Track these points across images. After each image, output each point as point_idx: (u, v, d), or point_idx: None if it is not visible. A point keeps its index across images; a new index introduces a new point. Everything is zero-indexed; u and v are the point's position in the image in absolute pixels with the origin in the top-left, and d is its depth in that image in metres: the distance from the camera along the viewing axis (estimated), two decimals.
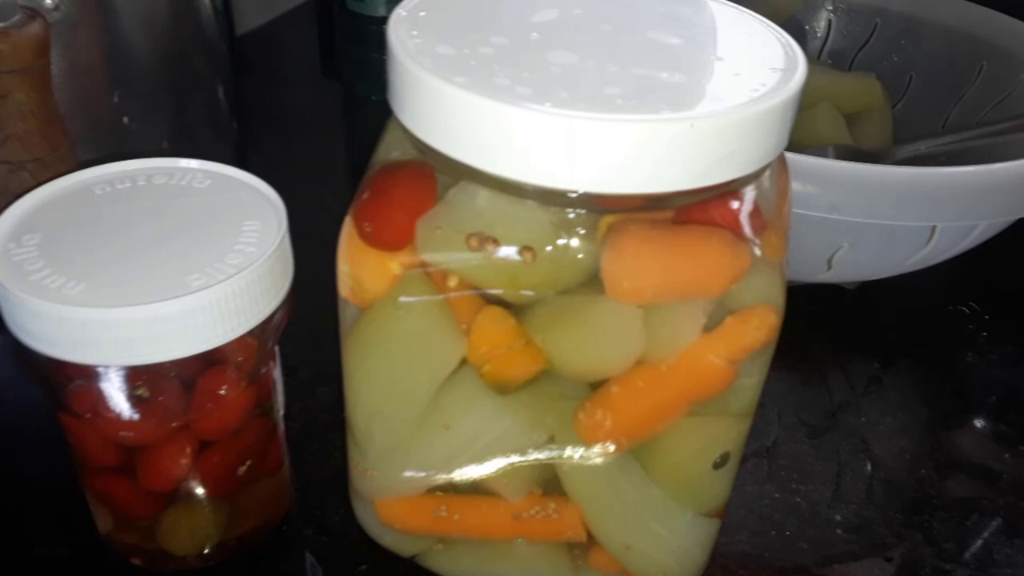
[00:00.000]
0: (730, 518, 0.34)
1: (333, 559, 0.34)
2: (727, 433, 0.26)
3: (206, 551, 0.33)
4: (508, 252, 0.23)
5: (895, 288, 0.50)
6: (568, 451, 0.27)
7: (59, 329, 0.26)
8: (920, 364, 0.46)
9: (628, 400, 0.25)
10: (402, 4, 0.26)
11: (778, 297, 0.24)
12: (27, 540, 0.34)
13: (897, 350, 0.47)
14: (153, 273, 0.28)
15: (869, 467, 0.39)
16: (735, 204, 0.24)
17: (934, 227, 0.37)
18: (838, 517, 0.37)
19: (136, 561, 0.33)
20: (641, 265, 0.23)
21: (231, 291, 0.28)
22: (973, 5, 0.52)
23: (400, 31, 0.24)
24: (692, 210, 0.23)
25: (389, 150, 0.26)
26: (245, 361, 0.30)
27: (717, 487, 0.28)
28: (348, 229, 0.26)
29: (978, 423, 0.43)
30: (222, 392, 0.30)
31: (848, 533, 0.36)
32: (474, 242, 0.23)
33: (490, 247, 0.23)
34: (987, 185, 0.36)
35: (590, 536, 0.29)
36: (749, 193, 0.24)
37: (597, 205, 0.23)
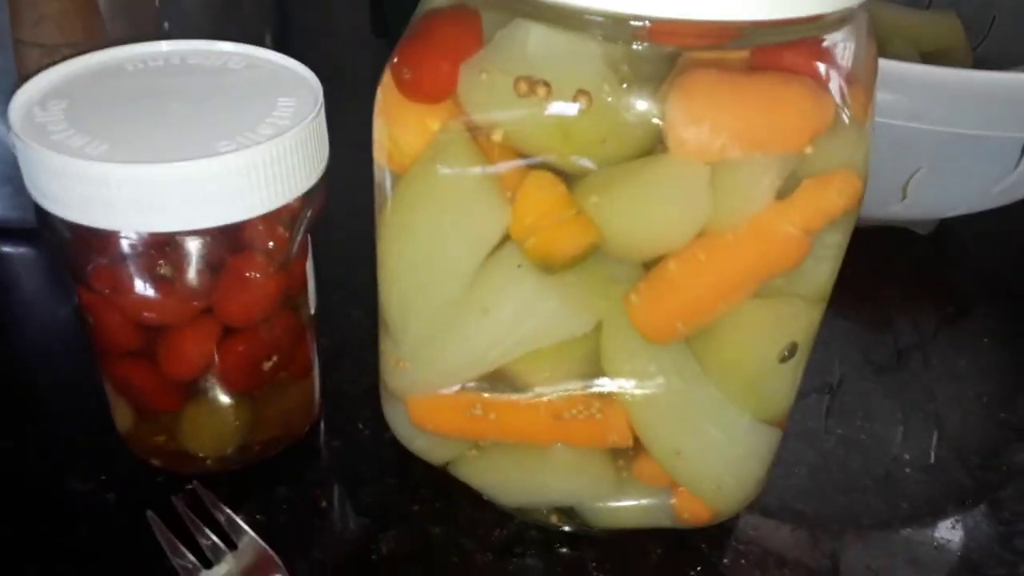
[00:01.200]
0: (788, 452, 0.32)
1: (361, 471, 0.32)
2: (796, 319, 0.24)
3: (227, 453, 0.31)
4: (561, 101, 0.21)
5: (973, 235, 0.47)
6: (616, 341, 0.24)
7: (78, 187, 0.25)
8: (1000, 313, 0.42)
9: (688, 277, 0.23)
10: None
11: (861, 161, 0.22)
12: (48, 439, 0.33)
13: (973, 298, 0.43)
14: (181, 138, 0.26)
15: (940, 409, 0.36)
16: (819, 50, 0.21)
17: None
18: (907, 456, 0.34)
19: (156, 462, 0.31)
20: (709, 111, 0.21)
21: (261, 158, 0.26)
22: None
23: None
24: (771, 54, 0.21)
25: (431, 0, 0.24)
26: (275, 248, 0.28)
27: (781, 386, 0.25)
28: (386, 82, 0.24)
29: None
30: (249, 275, 0.28)
31: (918, 472, 0.33)
32: (523, 86, 0.21)
33: (541, 91, 0.21)
34: None
35: (637, 443, 0.26)
36: (835, 41, 0.21)
37: (665, 40, 0.20)
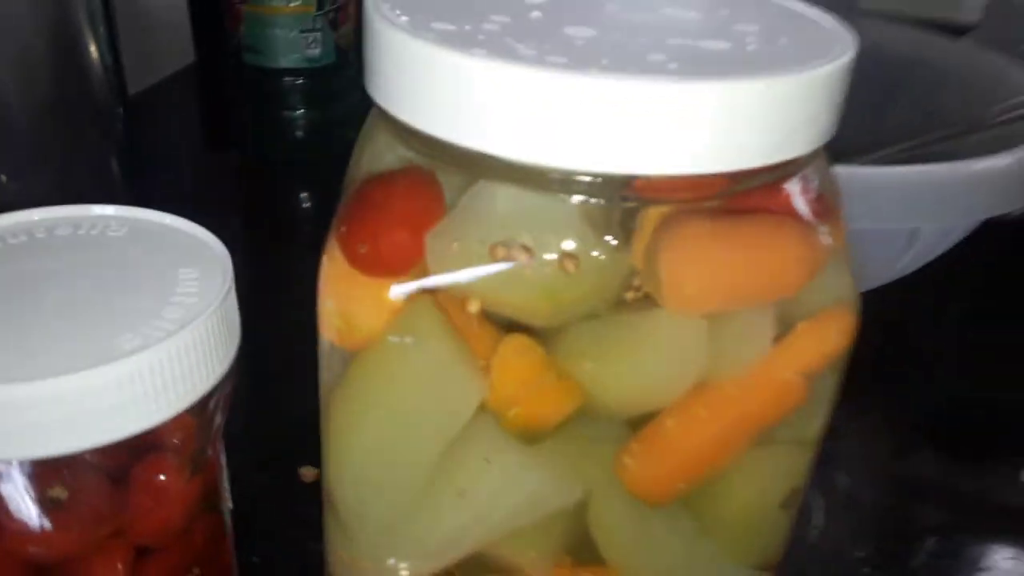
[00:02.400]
0: None
1: None
2: (798, 463, 0.23)
3: None
4: (545, 264, 0.19)
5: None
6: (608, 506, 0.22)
7: None
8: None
9: (687, 433, 0.21)
10: None
11: (852, 294, 0.21)
12: None
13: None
14: (68, 337, 0.22)
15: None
16: (799, 188, 0.20)
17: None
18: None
19: None
20: (707, 265, 0.19)
21: (174, 351, 0.22)
22: (896, 23, 0.53)
23: (383, 9, 0.20)
24: (748, 197, 0.20)
25: (373, 160, 0.22)
26: (186, 443, 0.24)
27: (779, 533, 0.24)
28: (332, 256, 0.21)
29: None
30: (161, 483, 0.24)
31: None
32: (501, 252, 0.19)
33: (522, 257, 0.19)
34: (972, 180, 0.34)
35: None
36: (807, 174, 0.21)
37: (652, 195, 0.19)
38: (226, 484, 0.27)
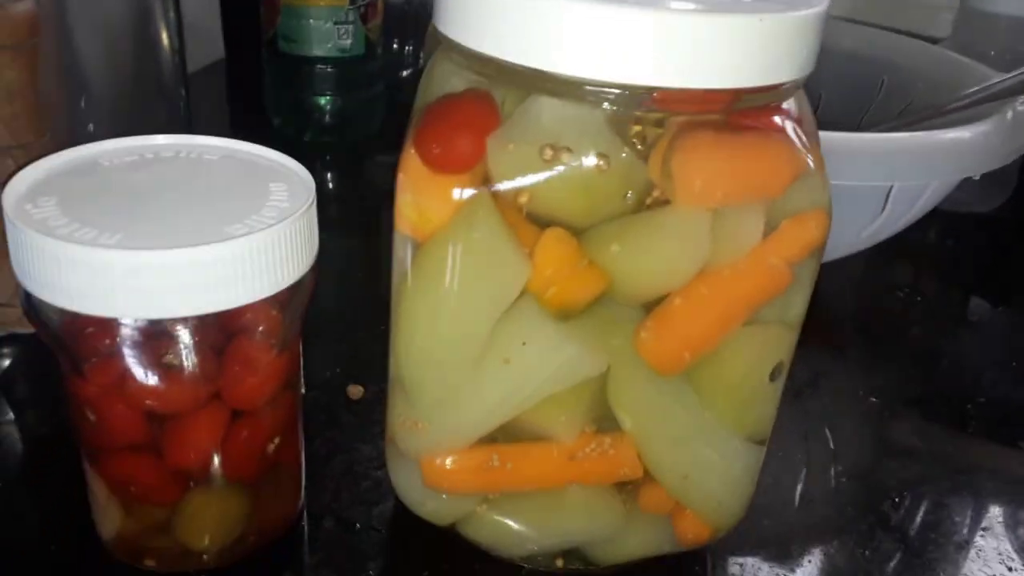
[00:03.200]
0: None
1: (362, 549, 0.32)
2: (782, 341, 0.27)
3: (226, 546, 0.30)
4: (583, 163, 0.24)
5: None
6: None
7: (79, 275, 0.25)
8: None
9: (692, 311, 0.26)
10: None
11: (827, 201, 0.26)
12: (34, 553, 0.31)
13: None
14: (190, 224, 0.27)
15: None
16: (783, 112, 0.25)
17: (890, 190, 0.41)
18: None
19: (150, 563, 0.30)
20: (713, 166, 0.24)
21: (269, 241, 0.27)
22: (871, 28, 0.58)
23: None
24: (745, 117, 0.25)
25: (438, 85, 0.27)
26: (275, 329, 0.29)
27: (768, 406, 0.29)
28: (409, 157, 0.26)
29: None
30: (255, 358, 0.28)
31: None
32: (549, 152, 0.24)
33: (565, 156, 0.24)
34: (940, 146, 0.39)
35: (642, 476, 0.29)
36: (791, 105, 0.26)
37: (668, 107, 0.24)
38: (301, 371, 0.32)
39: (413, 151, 0.26)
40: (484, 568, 0.31)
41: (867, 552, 0.34)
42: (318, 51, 0.66)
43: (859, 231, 0.44)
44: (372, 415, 0.38)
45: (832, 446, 0.40)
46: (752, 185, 0.25)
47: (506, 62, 0.24)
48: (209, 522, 0.30)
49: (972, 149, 0.40)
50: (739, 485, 0.30)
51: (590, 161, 0.24)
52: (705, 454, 0.28)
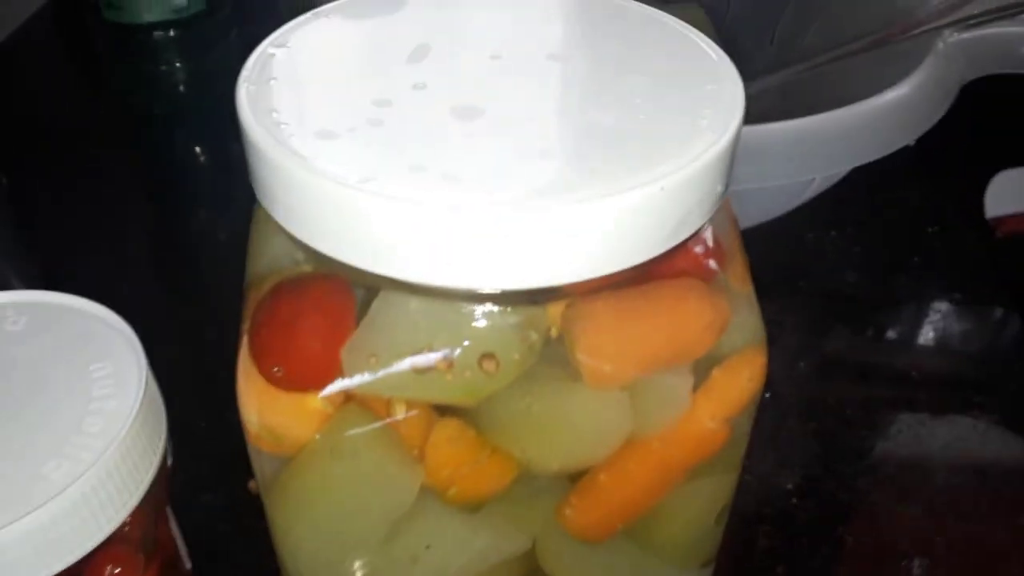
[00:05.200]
0: None
1: None
2: (725, 486, 0.24)
3: None
4: (465, 365, 0.19)
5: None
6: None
7: None
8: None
9: (619, 485, 0.22)
10: (243, 74, 0.21)
11: (759, 333, 0.22)
12: None
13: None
14: None
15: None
16: (697, 248, 0.21)
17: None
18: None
19: None
20: (621, 344, 0.20)
21: (108, 467, 0.22)
22: None
23: (257, 111, 0.19)
24: (650, 268, 0.20)
25: (272, 263, 0.21)
26: (135, 534, 0.24)
27: (714, 539, 0.26)
28: (246, 369, 0.21)
29: None
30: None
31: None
32: (420, 364, 0.19)
33: (442, 366, 0.19)
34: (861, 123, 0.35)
35: None
36: (707, 230, 0.21)
37: (560, 294, 0.19)
38: (182, 548, 0.28)
39: (250, 359, 0.20)
40: None
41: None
42: (149, 17, 0.57)
43: (790, 203, 0.40)
44: None
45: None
46: (670, 350, 0.20)
47: (346, 264, 0.18)
48: None
49: (900, 117, 0.36)
50: None
51: (474, 365, 0.19)
52: None
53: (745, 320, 0.21)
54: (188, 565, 0.28)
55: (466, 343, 0.19)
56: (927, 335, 0.45)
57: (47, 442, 0.22)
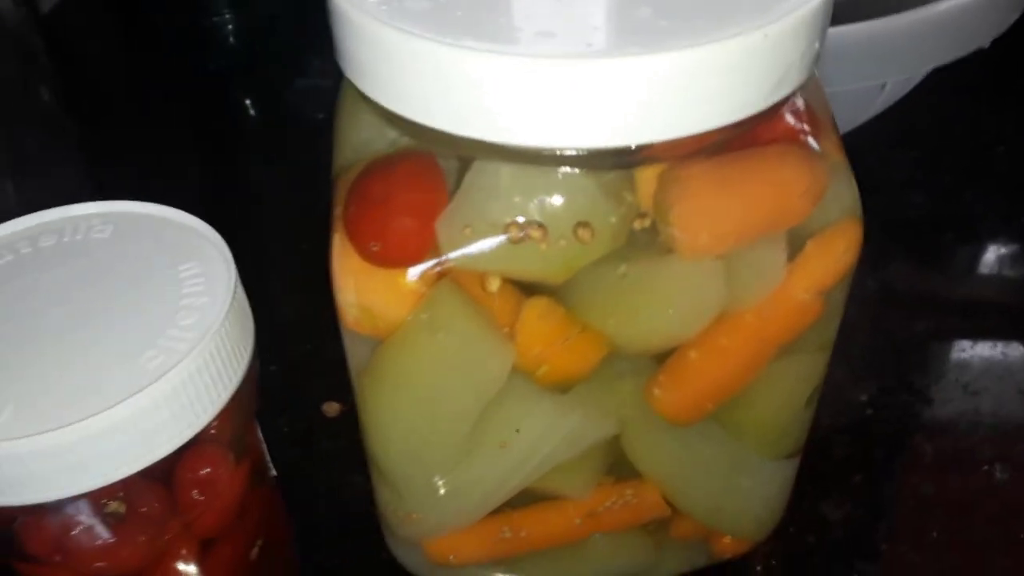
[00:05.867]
0: None
1: None
2: (817, 366, 0.24)
3: None
4: (560, 233, 0.19)
5: None
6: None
7: None
8: None
9: (710, 363, 0.22)
10: None
11: (855, 204, 0.21)
12: None
13: None
14: (97, 366, 0.22)
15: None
16: (792, 114, 0.20)
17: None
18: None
19: None
20: (719, 211, 0.19)
21: (197, 364, 0.22)
22: None
23: None
24: (745, 134, 0.20)
25: (363, 144, 0.21)
26: (226, 434, 0.25)
27: (803, 426, 0.25)
28: (342, 250, 0.21)
29: None
30: (212, 477, 0.24)
31: None
32: (515, 232, 0.19)
33: (536, 233, 0.19)
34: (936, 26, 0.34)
35: (672, 512, 0.26)
36: (800, 97, 0.21)
37: (657, 154, 0.19)
38: (267, 456, 0.28)
39: (345, 239, 0.20)
40: None
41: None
42: None
43: (861, 115, 0.39)
44: (356, 434, 0.35)
45: None
46: (767, 219, 0.20)
47: (439, 131, 0.18)
48: None
49: (974, 18, 0.35)
50: (775, 499, 0.27)
51: (569, 234, 0.19)
52: (737, 484, 0.25)
53: (841, 190, 0.21)
54: (273, 473, 0.28)
55: (560, 207, 0.19)
56: (991, 259, 0.44)
57: (142, 335, 0.22)
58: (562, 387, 0.22)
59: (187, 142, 0.56)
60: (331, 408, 0.37)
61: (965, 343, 0.38)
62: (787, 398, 0.24)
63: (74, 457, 0.21)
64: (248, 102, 0.61)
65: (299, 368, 0.38)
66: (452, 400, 0.22)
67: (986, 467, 0.33)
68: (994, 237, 0.45)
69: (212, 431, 0.24)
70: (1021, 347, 0.38)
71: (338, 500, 0.33)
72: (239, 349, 0.24)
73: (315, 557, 0.31)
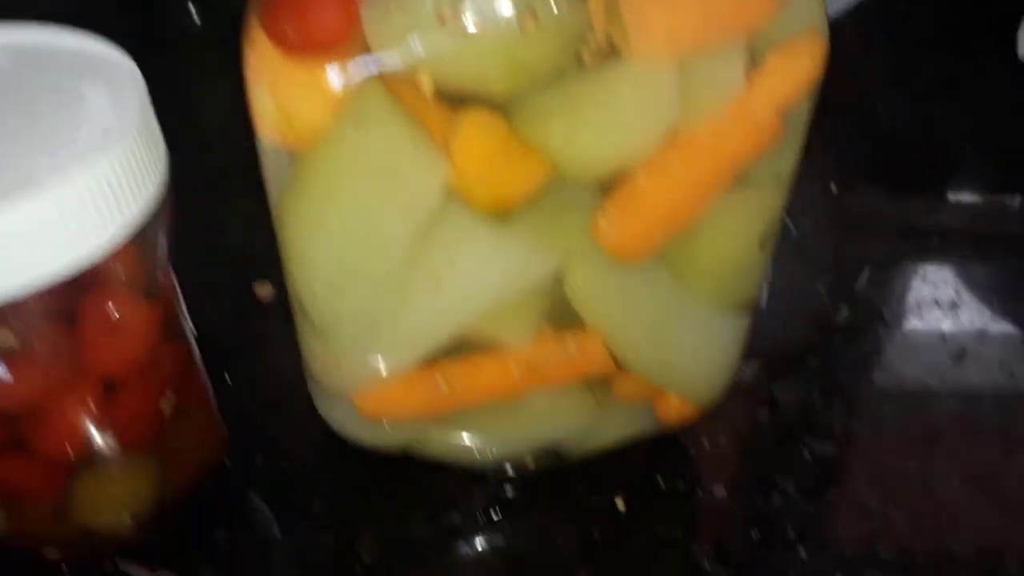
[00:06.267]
0: None
1: (303, 483, 0.28)
2: (774, 199, 0.22)
3: (141, 518, 0.26)
4: (502, 21, 0.17)
5: None
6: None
7: None
8: None
9: (661, 188, 0.20)
10: None
11: (822, 19, 0.20)
12: None
13: None
14: None
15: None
16: None
17: None
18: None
19: (51, 554, 0.26)
20: (673, 8, 0.18)
21: (103, 171, 0.20)
22: None
23: None
24: None
25: None
26: (132, 273, 0.23)
27: (756, 272, 0.24)
28: (257, 45, 0.18)
29: None
30: (115, 315, 0.22)
31: None
32: (450, 16, 0.17)
33: (474, 19, 0.17)
34: None
35: (616, 363, 0.24)
36: None
37: None
38: (184, 311, 0.26)
39: (261, 37, 0.18)
40: (445, 480, 0.28)
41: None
42: None
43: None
44: (289, 315, 0.33)
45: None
46: (728, 18, 0.18)
47: None
48: (109, 500, 0.25)
49: None
50: (725, 357, 0.26)
51: (511, 20, 0.17)
52: (685, 336, 0.24)
53: (808, 4, 0.19)
54: (193, 331, 0.26)
55: None
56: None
57: (40, 149, 0.20)
58: (500, 213, 0.20)
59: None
60: (263, 289, 0.35)
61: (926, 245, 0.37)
62: (739, 237, 0.22)
63: None
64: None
65: (231, 252, 0.36)
66: (380, 222, 0.20)
67: (942, 359, 0.32)
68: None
69: (120, 271, 0.22)
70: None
71: (270, 379, 0.31)
72: (146, 175, 0.21)
73: (246, 433, 0.29)
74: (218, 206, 0.37)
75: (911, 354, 0.32)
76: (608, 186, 0.20)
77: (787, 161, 0.21)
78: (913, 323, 0.33)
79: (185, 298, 0.26)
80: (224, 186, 0.39)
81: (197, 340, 0.27)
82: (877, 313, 0.34)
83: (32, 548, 0.26)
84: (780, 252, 0.34)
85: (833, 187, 0.40)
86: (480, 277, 0.21)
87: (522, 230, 0.21)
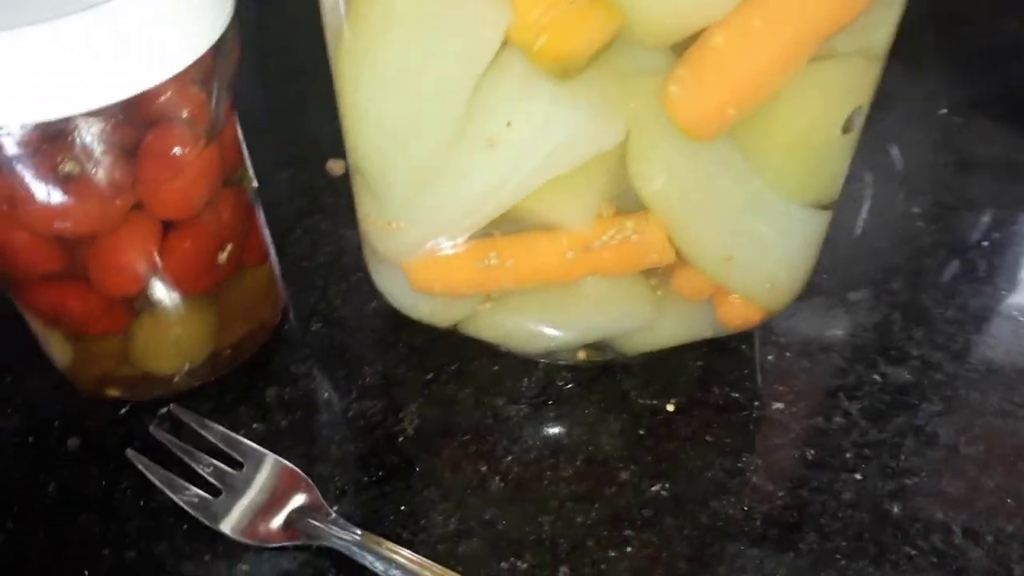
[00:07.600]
0: None
1: (355, 350, 0.28)
2: (862, 78, 0.20)
3: (196, 366, 0.26)
4: None
5: None
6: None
7: None
8: None
9: (742, 50, 0.19)
10: None
11: None
12: None
13: None
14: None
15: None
16: None
17: None
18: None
19: (113, 392, 0.26)
20: None
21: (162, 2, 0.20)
22: None
23: None
24: None
25: None
26: (197, 115, 0.23)
27: (838, 162, 0.22)
28: None
29: None
30: (175, 154, 0.22)
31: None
32: None
33: None
34: None
35: (675, 260, 0.23)
36: None
37: None
38: (247, 161, 0.26)
39: None
40: (496, 364, 0.27)
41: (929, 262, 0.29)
42: None
43: None
44: None
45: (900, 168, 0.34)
46: None
47: None
48: (168, 345, 0.26)
49: None
50: (798, 259, 0.24)
51: None
52: (754, 230, 0.23)
53: None
54: (255, 183, 0.26)
55: None
56: None
57: None
58: (563, 70, 0.19)
59: None
60: (336, 166, 0.35)
61: None
62: (821, 117, 0.20)
63: (31, 70, 0.19)
64: None
65: (298, 120, 0.37)
66: (436, 70, 0.19)
67: None
68: None
69: (182, 110, 0.22)
70: None
71: (334, 251, 0.31)
72: (209, 12, 0.21)
73: (305, 299, 0.30)
74: (308, 89, 0.37)
75: (1002, 290, 0.30)
76: (682, 48, 0.19)
77: (879, 34, 0.19)
78: (1007, 258, 0.31)
79: (259, 171, 0.26)
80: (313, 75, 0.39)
81: (266, 209, 0.27)
82: (974, 246, 0.31)
83: (96, 388, 0.26)
84: (877, 169, 0.32)
85: (944, 111, 0.37)
86: (537, 140, 0.20)
87: (584, 92, 0.20)
